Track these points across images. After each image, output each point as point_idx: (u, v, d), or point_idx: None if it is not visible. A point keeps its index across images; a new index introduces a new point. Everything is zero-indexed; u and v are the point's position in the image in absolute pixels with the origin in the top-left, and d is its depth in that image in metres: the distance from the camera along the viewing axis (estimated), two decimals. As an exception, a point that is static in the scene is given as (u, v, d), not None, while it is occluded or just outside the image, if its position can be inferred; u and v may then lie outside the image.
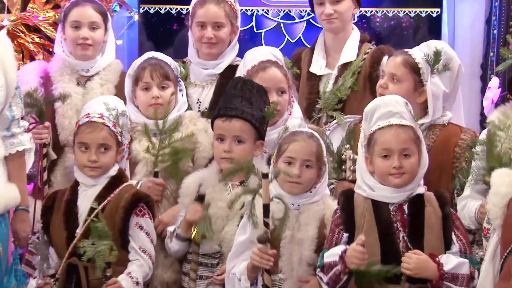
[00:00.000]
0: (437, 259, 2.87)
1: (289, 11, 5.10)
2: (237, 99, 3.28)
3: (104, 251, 3.05)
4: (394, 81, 3.41)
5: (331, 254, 2.95)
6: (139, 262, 3.20)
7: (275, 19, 5.08)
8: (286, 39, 5.09)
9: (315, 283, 3.03)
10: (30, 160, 3.50)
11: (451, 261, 2.89)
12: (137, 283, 3.17)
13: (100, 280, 3.13)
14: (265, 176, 2.96)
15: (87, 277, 3.16)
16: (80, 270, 3.16)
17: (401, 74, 3.39)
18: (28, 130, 3.54)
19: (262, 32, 5.08)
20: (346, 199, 3.04)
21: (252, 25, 5.05)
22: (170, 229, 3.32)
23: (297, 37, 5.09)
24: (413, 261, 2.86)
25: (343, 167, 3.39)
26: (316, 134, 3.19)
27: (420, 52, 3.41)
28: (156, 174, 3.43)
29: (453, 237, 2.95)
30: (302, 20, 5.08)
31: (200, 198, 3.28)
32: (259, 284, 3.07)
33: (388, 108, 3.02)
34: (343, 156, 3.37)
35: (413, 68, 3.39)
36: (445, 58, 3.40)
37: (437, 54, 3.38)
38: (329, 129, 3.64)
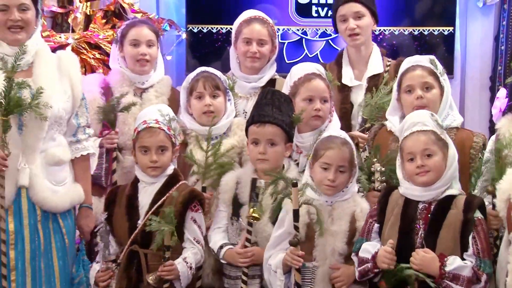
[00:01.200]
0: (445, 259, 3.03)
1: (306, 30, 5.24)
2: (268, 107, 3.52)
3: (165, 231, 3.25)
4: (428, 89, 3.49)
5: (366, 250, 3.17)
6: (194, 250, 3.44)
7: (299, 33, 5.24)
8: (304, 53, 5.26)
9: (344, 271, 3.27)
10: (93, 163, 3.73)
11: (455, 262, 3.03)
12: (191, 267, 3.40)
13: (159, 258, 3.34)
14: (295, 184, 3.16)
15: (147, 262, 3.39)
16: (141, 256, 3.41)
17: (432, 81, 3.50)
18: (101, 135, 3.83)
19: (285, 42, 5.25)
20: (385, 194, 3.25)
21: (278, 35, 5.11)
22: (218, 242, 3.54)
23: (315, 53, 5.26)
24: (419, 257, 3.04)
25: (372, 178, 3.47)
26: (349, 140, 3.37)
27: (425, 62, 3.54)
28: (204, 189, 3.64)
29: (470, 240, 3.05)
30: (322, 39, 5.23)
31: (253, 185, 3.50)
32: (292, 276, 3.25)
33: (410, 120, 3.23)
34: (372, 168, 3.47)
35: (434, 74, 3.51)
36: (437, 64, 3.55)
37: (433, 60, 3.55)
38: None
